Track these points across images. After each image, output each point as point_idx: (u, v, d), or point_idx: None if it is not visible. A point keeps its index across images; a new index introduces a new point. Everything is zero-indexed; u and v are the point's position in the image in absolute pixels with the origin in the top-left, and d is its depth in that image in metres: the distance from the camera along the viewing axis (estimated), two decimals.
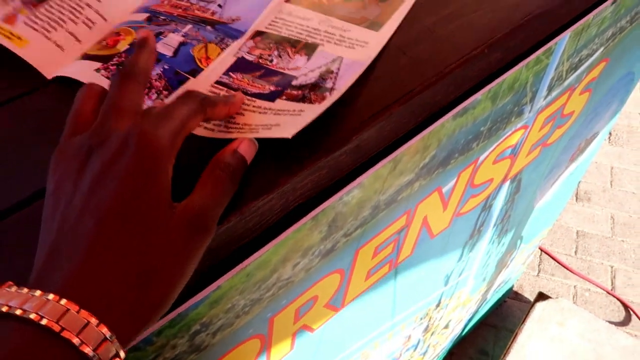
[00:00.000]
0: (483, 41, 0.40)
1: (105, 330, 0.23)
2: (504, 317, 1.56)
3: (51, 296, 0.22)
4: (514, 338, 1.29)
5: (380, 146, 0.38)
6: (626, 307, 1.57)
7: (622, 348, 1.26)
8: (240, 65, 0.38)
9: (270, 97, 0.35)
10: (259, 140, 0.32)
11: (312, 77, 0.36)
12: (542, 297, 1.36)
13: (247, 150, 0.31)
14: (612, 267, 1.65)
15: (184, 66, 0.38)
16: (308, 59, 0.38)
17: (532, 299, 1.39)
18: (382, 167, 0.39)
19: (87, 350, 0.22)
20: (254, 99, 0.35)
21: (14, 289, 0.23)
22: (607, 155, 1.94)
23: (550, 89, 0.57)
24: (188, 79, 0.37)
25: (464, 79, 0.41)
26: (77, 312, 0.22)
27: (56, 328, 0.22)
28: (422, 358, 1.14)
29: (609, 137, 2.00)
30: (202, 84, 0.36)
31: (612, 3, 0.53)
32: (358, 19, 0.41)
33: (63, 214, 0.25)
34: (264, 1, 0.42)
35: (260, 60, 0.38)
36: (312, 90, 0.35)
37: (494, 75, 0.44)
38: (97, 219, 0.25)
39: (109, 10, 0.42)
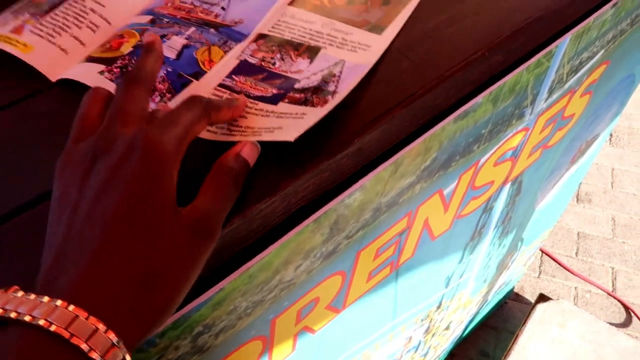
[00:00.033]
0: (484, 44, 0.41)
1: (112, 335, 0.23)
2: (504, 319, 1.56)
3: (59, 302, 0.23)
4: (515, 339, 1.29)
5: (382, 149, 0.38)
6: (627, 308, 1.57)
7: (622, 349, 1.26)
8: (243, 68, 0.38)
9: (273, 100, 0.36)
10: (262, 143, 0.33)
11: (314, 80, 0.37)
12: (543, 298, 1.36)
13: (249, 154, 0.31)
14: (613, 268, 1.65)
15: (187, 69, 0.38)
16: (310, 62, 0.38)
17: (533, 300, 1.39)
18: (383, 169, 0.39)
19: (95, 356, 0.22)
20: (256, 101, 0.35)
21: (20, 293, 0.23)
22: (608, 156, 1.94)
23: (551, 92, 0.58)
24: (191, 81, 0.37)
25: (465, 82, 0.41)
26: (86, 318, 0.22)
27: (66, 335, 0.22)
28: (423, 359, 1.14)
29: (610, 139, 2.00)
30: (205, 86, 0.37)
31: (613, 6, 0.54)
32: (360, 22, 0.41)
33: (69, 219, 0.26)
34: (267, 4, 0.43)
35: (263, 63, 0.38)
36: (314, 94, 0.36)
37: (495, 78, 0.45)
38: (103, 224, 0.25)
39: (113, 13, 0.42)
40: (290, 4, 0.43)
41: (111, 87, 0.36)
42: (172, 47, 0.39)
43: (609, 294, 1.60)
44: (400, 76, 0.38)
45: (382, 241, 0.49)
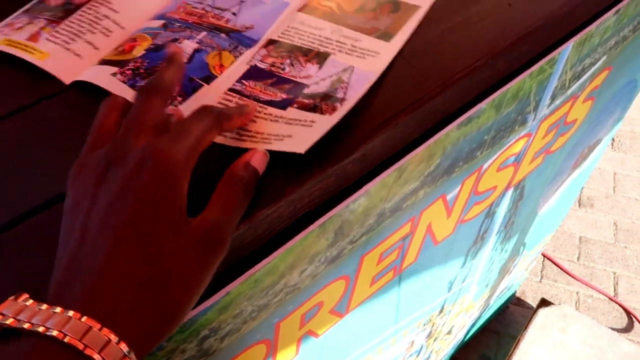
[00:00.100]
0: (488, 51, 0.41)
1: (124, 346, 0.23)
2: (506, 323, 1.56)
3: (71, 313, 0.23)
4: (517, 344, 1.29)
5: (386, 155, 0.39)
6: (629, 313, 1.57)
7: (624, 355, 1.26)
8: (253, 73, 0.38)
9: (282, 105, 0.36)
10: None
11: (323, 86, 0.37)
12: (544, 303, 1.36)
13: (259, 163, 0.31)
14: (614, 273, 1.65)
15: (198, 73, 0.38)
16: (319, 68, 0.39)
17: (534, 305, 1.39)
18: (388, 175, 0.40)
19: None
20: (265, 106, 0.36)
21: (30, 302, 0.24)
22: (610, 161, 1.94)
23: (553, 98, 0.58)
24: (202, 85, 0.38)
25: (469, 89, 0.42)
26: (99, 329, 0.23)
27: (80, 346, 0.22)
28: None
29: (612, 143, 2.00)
30: (215, 91, 0.37)
31: (615, 13, 0.54)
32: (369, 29, 0.42)
33: (81, 228, 0.26)
34: (277, 10, 0.43)
35: (272, 68, 0.39)
36: (323, 100, 0.36)
37: (498, 84, 0.45)
38: (114, 234, 0.25)
39: (126, 19, 0.43)
40: (300, 10, 0.44)
41: (123, 88, 0.37)
42: (183, 51, 0.39)
43: (610, 299, 1.59)
44: (404, 83, 0.39)
45: (385, 246, 0.50)
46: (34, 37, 0.41)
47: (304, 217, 0.35)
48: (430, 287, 0.74)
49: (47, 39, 0.41)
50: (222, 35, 0.41)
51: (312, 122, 0.34)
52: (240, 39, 0.41)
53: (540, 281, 1.65)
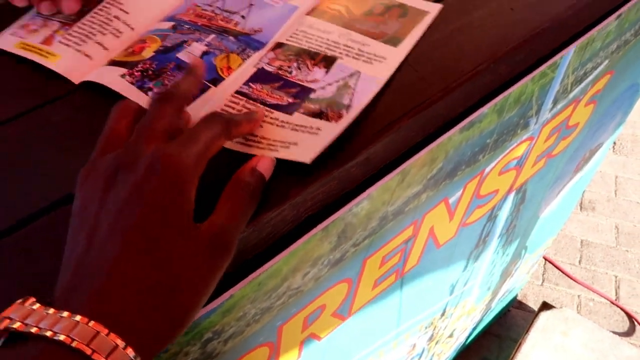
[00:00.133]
0: (490, 55, 0.41)
1: (130, 351, 0.23)
2: (508, 327, 1.56)
3: (78, 317, 0.23)
4: (518, 347, 1.29)
5: (389, 159, 0.39)
6: (630, 317, 1.56)
7: (625, 358, 1.25)
8: (260, 76, 0.39)
9: (289, 109, 0.36)
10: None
11: (330, 91, 0.37)
12: (546, 306, 1.36)
13: (265, 168, 0.32)
14: (616, 277, 1.65)
15: (206, 75, 0.39)
16: (327, 72, 0.39)
17: (536, 308, 1.39)
18: (390, 179, 0.40)
19: None
20: (272, 110, 0.36)
21: (37, 306, 0.24)
22: (612, 164, 1.94)
23: (555, 102, 0.58)
24: (209, 87, 0.38)
25: (471, 93, 0.42)
26: (107, 334, 0.23)
27: (88, 351, 0.22)
28: None
29: (614, 147, 2.00)
30: (222, 93, 0.38)
31: (617, 17, 0.54)
32: (377, 34, 0.42)
33: (89, 233, 0.26)
34: (286, 13, 0.43)
35: (279, 72, 0.39)
36: (329, 106, 0.36)
37: (501, 88, 0.45)
38: (122, 240, 0.25)
39: (136, 20, 0.43)
40: (309, 13, 0.44)
41: (132, 89, 0.37)
42: (192, 53, 0.40)
43: (612, 303, 1.59)
44: (407, 87, 0.39)
45: (388, 249, 0.50)
46: (48, 41, 0.41)
47: (307, 221, 0.36)
48: (432, 290, 0.74)
49: (60, 42, 0.41)
50: (231, 38, 0.41)
51: (318, 129, 0.34)
52: (248, 42, 0.41)
53: (541, 284, 1.65)
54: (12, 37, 0.42)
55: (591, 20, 0.51)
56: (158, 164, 0.27)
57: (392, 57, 0.40)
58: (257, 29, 0.42)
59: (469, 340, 1.43)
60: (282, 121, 0.35)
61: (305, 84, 0.38)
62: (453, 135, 0.43)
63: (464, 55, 0.41)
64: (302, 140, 0.34)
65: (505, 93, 0.45)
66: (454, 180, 0.51)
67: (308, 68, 0.39)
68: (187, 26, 0.42)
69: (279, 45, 0.41)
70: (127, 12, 0.43)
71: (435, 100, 0.38)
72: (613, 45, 0.61)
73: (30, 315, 0.23)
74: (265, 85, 0.38)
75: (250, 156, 0.33)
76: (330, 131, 0.34)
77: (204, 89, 0.38)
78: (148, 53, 0.40)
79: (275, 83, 0.38)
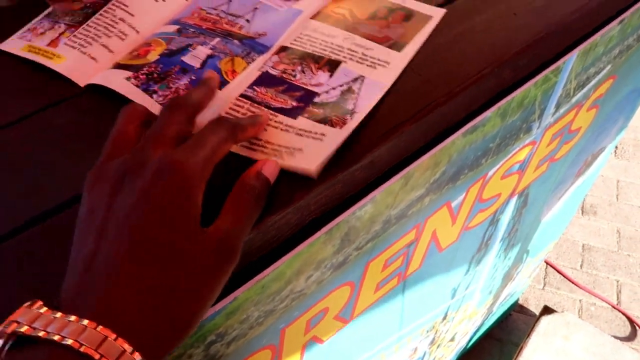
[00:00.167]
0: (494, 60, 0.41)
1: (137, 356, 0.23)
2: (509, 331, 1.56)
3: (86, 322, 0.23)
4: (519, 352, 1.29)
5: (393, 162, 0.39)
6: (632, 322, 1.56)
7: None
8: (265, 80, 0.39)
9: (292, 113, 0.36)
10: None
11: (333, 95, 0.37)
12: (547, 310, 1.36)
13: (270, 172, 0.32)
14: (617, 281, 1.65)
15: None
16: (330, 76, 0.39)
17: (537, 312, 1.39)
18: (394, 182, 0.40)
19: None
20: (276, 114, 0.36)
21: (44, 309, 0.24)
22: (613, 168, 1.94)
23: (558, 106, 0.58)
24: None
25: (475, 97, 0.42)
26: (115, 339, 0.23)
27: (96, 356, 0.22)
28: None
29: (615, 151, 2.00)
30: (227, 96, 0.38)
31: (619, 22, 0.55)
32: (381, 38, 0.42)
33: (96, 237, 0.26)
34: (291, 17, 0.44)
35: (284, 75, 0.39)
36: (333, 111, 0.36)
37: (504, 93, 0.45)
38: (129, 244, 0.25)
39: (142, 23, 0.44)
40: (313, 17, 0.44)
41: (137, 92, 0.38)
42: (197, 56, 0.40)
43: (613, 307, 1.59)
44: (411, 91, 0.39)
45: (390, 252, 0.50)
46: (53, 43, 0.42)
47: (311, 224, 0.36)
48: (434, 294, 0.74)
49: (66, 44, 0.42)
50: (235, 41, 0.42)
51: (323, 135, 0.35)
52: (252, 46, 0.41)
53: (543, 288, 1.65)
54: (20, 40, 0.43)
55: (594, 25, 0.51)
56: (165, 169, 0.27)
57: (396, 62, 0.40)
58: (261, 33, 0.42)
59: (470, 344, 1.43)
60: (286, 125, 0.36)
61: (309, 87, 0.38)
62: (456, 139, 0.43)
63: (468, 59, 0.41)
64: (306, 146, 0.34)
65: (509, 97, 0.46)
66: (457, 184, 0.51)
67: (312, 72, 0.39)
68: (192, 30, 0.42)
69: (283, 48, 0.41)
70: (132, 15, 0.44)
71: (439, 104, 0.38)
72: (615, 50, 0.61)
73: (37, 319, 0.23)
74: (269, 88, 0.38)
75: (254, 160, 0.33)
76: (335, 138, 0.34)
77: None
78: (153, 56, 0.40)
79: (279, 86, 0.38)
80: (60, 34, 0.42)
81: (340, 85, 0.38)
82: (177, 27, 0.43)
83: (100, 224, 0.26)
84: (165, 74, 0.39)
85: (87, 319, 0.23)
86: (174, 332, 0.26)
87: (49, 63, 0.40)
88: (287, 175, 0.33)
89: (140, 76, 0.38)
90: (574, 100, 0.61)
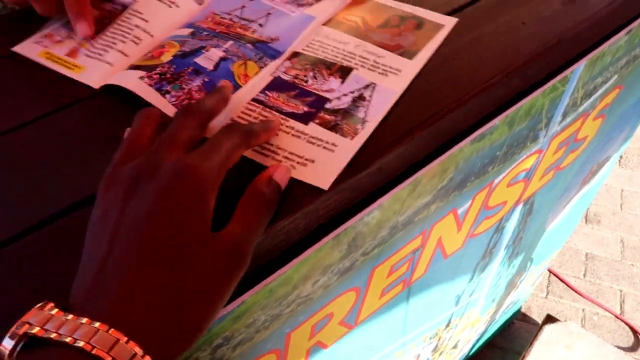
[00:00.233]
0: (502, 69, 0.42)
1: (147, 358, 0.23)
2: (511, 339, 1.55)
3: (97, 324, 0.23)
4: None
5: (401, 169, 0.39)
6: (635, 332, 1.55)
7: None
8: (277, 84, 0.39)
9: (304, 118, 0.37)
10: None
11: (345, 102, 0.38)
12: (550, 319, 1.35)
13: (282, 178, 0.32)
14: (621, 291, 1.64)
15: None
16: (342, 82, 0.39)
17: (540, 321, 1.38)
18: (402, 189, 0.40)
19: None
20: (287, 118, 0.37)
21: (55, 311, 0.24)
22: (618, 178, 1.94)
23: (565, 115, 0.58)
24: None
25: (483, 106, 0.42)
26: (126, 342, 0.23)
27: (107, 358, 0.22)
28: None
29: (620, 160, 2.00)
30: (239, 100, 0.38)
31: (627, 33, 0.55)
32: (393, 46, 0.42)
33: (110, 240, 0.26)
34: (303, 23, 0.44)
35: (295, 80, 0.39)
36: (344, 118, 0.37)
37: (512, 101, 0.45)
38: (142, 247, 0.25)
39: (155, 27, 0.44)
40: (326, 24, 0.45)
41: (150, 91, 0.38)
42: (210, 58, 0.40)
43: (617, 317, 1.58)
44: (420, 98, 0.39)
45: (396, 259, 0.50)
46: (73, 53, 0.42)
47: (318, 229, 0.36)
48: (438, 300, 0.74)
49: (86, 55, 0.42)
50: (248, 45, 0.42)
51: (334, 145, 0.35)
52: (265, 50, 0.42)
53: (545, 297, 1.65)
54: (37, 45, 0.43)
55: (602, 35, 0.51)
56: (180, 173, 0.27)
57: (408, 69, 0.41)
58: (274, 37, 0.43)
59: (472, 352, 1.42)
60: (298, 130, 0.36)
61: (320, 93, 0.38)
62: (464, 147, 0.44)
63: (477, 68, 0.42)
64: (318, 157, 0.34)
65: (517, 106, 0.46)
66: (463, 191, 0.51)
67: (324, 78, 0.39)
68: (205, 33, 0.43)
69: (296, 54, 0.42)
70: (146, 21, 0.44)
71: (447, 112, 0.39)
72: (623, 60, 0.61)
73: (49, 321, 0.23)
74: (281, 93, 0.38)
75: (265, 165, 0.34)
76: (347, 150, 0.35)
77: None
78: (166, 57, 0.40)
79: (291, 91, 0.38)
80: (80, 45, 0.42)
81: (352, 92, 0.38)
82: (190, 30, 0.43)
83: (114, 227, 0.26)
84: (178, 74, 0.39)
85: (99, 322, 0.23)
86: (185, 335, 0.26)
87: (69, 73, 0.41)
88: (296, 180, 0.34)
89: (154, 76, 0.39)
90: (580, 109, 0.61)
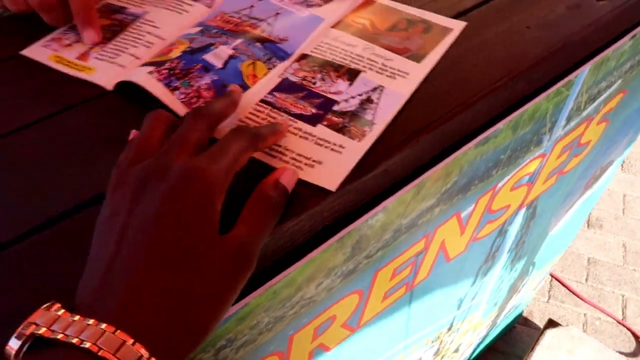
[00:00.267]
0: (507, 73, 0.42)
1: None
2: (513, 344, 1.55)
3: (104, 326, 0.23)
4: None
5: (407, 172, 0.39)
6: (637, 337, 1.55)
7: None
8: (285, 86, 0.39)
9: (312, 120, 0.37)
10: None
11: (352, 104, 0.38)
12: (552, 324, 1.35)
13: (288, 181, 0.32)
14: (623, 296, 1.64)
15: (232, 80, 0.39)
16: (350, 84, 0.39)
17: (541, 325, 1.38)
18: (406, 192, 0.40)
19: None
20: (295, 120, 0.37)
21: (61, 312, 0.24)
22: (620, 182, 1.94)
23: (568, 119, 0.58)
24: None
25: (488, 110, 0.42)
26: (132, 344, 0.23)
27: None
28: None
29: (622, 165, 2.00)
30: (247, 101, 0.38)
31: (632, 38, 0.55)
32: (401, 49, 0.42)
33: (117, 241, 0.26)
34: (312, 25, 0.44)
35: (304, 82, 0.40)
36: (352, 120, 0.37)
37: (516, 105, 0.46)
38: (149, 249, 0.26)
39: (166, 31, 0.44)
40: (334, 26, 0.45)
41: (158, 86, 0.38)
42: (219, 55, 0.40)
43: (618, 322, 1.58)
44: (426, 101, 0.39)
45: (399, 262, 0.50)
46: (83, 57, 0.42)
47: (323, 231, 0.36)
48: (440, 304, 0.74)
49: (96, 58, 0.42)
50: (257, 44, 0.42)
51: (342, 147, 0.35)
52: (274, 51, 0.42)
53: (547, 301, 1.64)
54: (46, 49, 0.43)
55: (606, 40, 0.52)
56: (188, 175, 0.27)
57: (415, 72, 0.41)
58: (282, 38, 0.43)
59: (473, 356, 1.42)
60: (305, 132, 0.36)
61: (328, 95, 0.38)
62: (468, 150, 0.44)
63: (482, 71, 0.42)
64: (326, 159, 0.34)
65: (521, 110, 0.46)
66: (467, 195, 0.51)
67: (332, 80, 0.39)
68: (214, 30, 0.43)
69: (304, 56, 0.42)
70: (157, 27, 0.45)
71: (453, 116, 0.39)
72: (627, 65, 0.61)
73: (56, 322, 0.23)
74: (289, 94, 0.39)
75: (273, 166, 0.34)
76: (354, 152, 0.35)
77: None
78: (175, 53, 0.41)
79: (299, 93, 0.39)
80: (90, 49, 0.43)
81: (360, 95, 0.39)
82: (200, 28, 0.43)
83: (121, 228, 0.26)
84: (187, 70, 0.39)
85: (106, 323, 0.23)
86: (191, 337, 0.26)
87: (79, 74, 0.41)
88: (302, 182, 0.34)
89: (162, 71, 0.39)
90: (584, 113, 0.61)
